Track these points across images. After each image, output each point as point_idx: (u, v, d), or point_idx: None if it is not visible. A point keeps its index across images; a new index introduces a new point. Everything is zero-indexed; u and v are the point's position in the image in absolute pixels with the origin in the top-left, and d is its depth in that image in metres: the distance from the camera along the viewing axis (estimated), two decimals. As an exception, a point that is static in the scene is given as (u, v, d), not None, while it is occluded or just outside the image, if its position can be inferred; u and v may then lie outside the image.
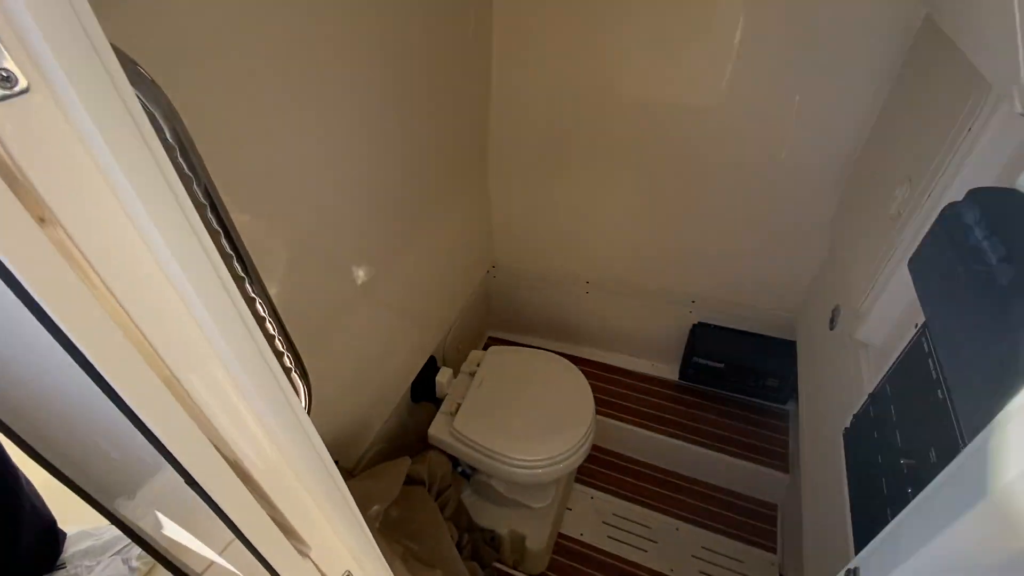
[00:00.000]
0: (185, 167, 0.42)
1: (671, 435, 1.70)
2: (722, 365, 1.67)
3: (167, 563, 0.47)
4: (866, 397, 0.77)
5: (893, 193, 0.91)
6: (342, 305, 1.11)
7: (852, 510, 0.72)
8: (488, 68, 1.43)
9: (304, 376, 0.64)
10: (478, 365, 1.49)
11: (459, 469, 1.49)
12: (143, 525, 0.44)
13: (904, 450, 0.63)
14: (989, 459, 0.31)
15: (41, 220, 0.24)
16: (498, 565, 1.42)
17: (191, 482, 0.35)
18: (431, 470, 1.27)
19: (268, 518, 0.44)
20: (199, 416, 0.35)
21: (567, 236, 1.72)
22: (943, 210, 0.37)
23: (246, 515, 0.41)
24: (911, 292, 0.87)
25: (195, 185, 0.43)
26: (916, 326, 0.68)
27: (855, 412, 0.80)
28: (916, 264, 0.38)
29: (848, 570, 0.79)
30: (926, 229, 0.81)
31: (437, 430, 1.35)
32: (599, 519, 1.64)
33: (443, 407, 1.41)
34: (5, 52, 0.21)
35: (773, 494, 1.63)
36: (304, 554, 0.50)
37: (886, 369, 0.73)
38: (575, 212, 1.65)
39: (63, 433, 0.39)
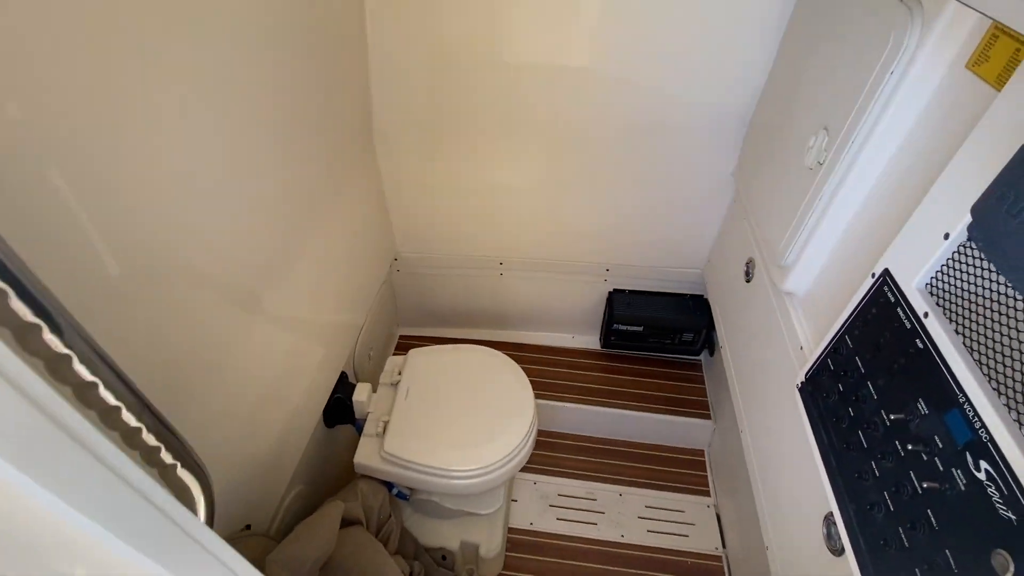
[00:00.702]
0: None
1: (601, 404, 1.70)
2: (640, 328, 1.70)
3: None
4: (821, 350, 0.78)
5: (807, 143, 0.92)
6: (232, 332, 0.88)
7: (825, 463, 0.72)
8: (362, 27, 1.22)
9: (195, 468, 0.46)
10: (400, 373, 1.33)
11: (395, 491, 1.33)
12: None
13: (884, 403, 0.62)
14: None
15: None
16: (454, 582, 1.31)
17: None
18: (366, 504, 1.10)
19: None
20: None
21: (471, 217, 1.59)
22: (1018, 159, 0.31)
23: None
24: (839, 240, 0.90)
25: None
26: (873, 275, 0.68)
27: (810, 367, 0.81)
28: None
29: (827, 515, 0.82)
30: (854, 179, 0.84)
31: (365, 456, 1.18)
32: (545, 503, 1.60)
33: (367, 428, 1.23)
34: None
35: (699, 441, 1.71)
36: None
37: (841, 320, 0.73)
38: (476, 190, 1.52)
39: None
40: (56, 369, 0.35)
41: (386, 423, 1.20)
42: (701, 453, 1.71)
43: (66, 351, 0.34)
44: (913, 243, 0.62)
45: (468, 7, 1.18)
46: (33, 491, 0.22)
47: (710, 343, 1.72)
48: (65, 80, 0.53)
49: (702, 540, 1.52)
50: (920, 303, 0.59)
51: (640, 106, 1.29)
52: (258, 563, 0.81)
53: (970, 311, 0.54)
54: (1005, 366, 0.48)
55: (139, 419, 0.39)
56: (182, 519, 0.30)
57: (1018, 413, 0.46)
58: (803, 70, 1.00)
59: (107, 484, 0.26)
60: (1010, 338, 0.48)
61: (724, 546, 1.51)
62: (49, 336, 0.33)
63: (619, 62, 1.22)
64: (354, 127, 1.32)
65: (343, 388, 1.31)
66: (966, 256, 0.55)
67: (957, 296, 0.56)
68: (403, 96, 1.34)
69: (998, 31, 0.59)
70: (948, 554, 0.50)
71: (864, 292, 0.69)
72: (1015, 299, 0.49)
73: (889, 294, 0.64)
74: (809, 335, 0.93)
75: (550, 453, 1.70)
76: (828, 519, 0.80)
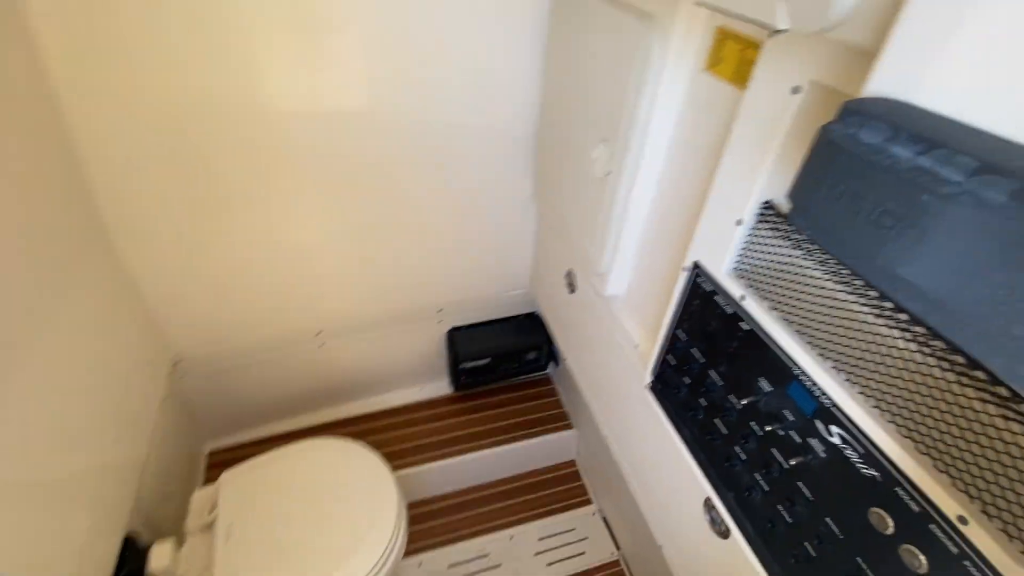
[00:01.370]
0: None
1: (467, 451, 1.60)
2: (488, 360, 1.64)
3: None
4: (659, 347, 0.80)
5: (592, 155, 0.96)
6: None
7: (694, 456, 0.74)
8: (53, 109, 0.93)
9: None
10: (214, 509, 1.03)
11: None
12: None
13: (730, 388, 0.64)
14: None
15: None
16: None
17: None
18: None
19: None
20: None
21: (268, 291, 1.35)
22: (821, 144, 0.30)
23: None
24: (644, 239, 0.96)
25: None
26: (685, 269, 0.70)
27: (654, 365, 0.82)
28: (814, 222, 0.32)
29: (706, 500, 0.83)
30: (642, 183, 0.89)
31: (188, 642, 0.88)
32: (438, 582, 1.42)
33: (182, 601, 0.92)
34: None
35: (567, 452, 1.72)
36: None
37: (669, 316, 0.76)
38: (267, 259, 1.30)
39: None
40: None
41: (209, 584, 0.91)
42: (572, 463, 1.72)
43: None
44: (712, 234, 0.65)
45: (203, 57, 0.98)
46: None
47: (554, 356, 1.75)
48: None
49: (598, 550, 1.51)
50: (734, 288, 0.62)
51: (430, 141, 1.24)
52: None
53: (776, 286, 0.58)
54: (820, 331, 0.52)
55: None
56: None
57: (847, 373, 0.49)
58: (571, 89, 1.05)
59: None
60: (815, 304, 0.52)
61: (618, 548, 1.52)
62: None
63: (397, 100, 1.15)
64: (74, 228, 1.00)
65: (131, 558, 0.97)
66: (761, 237, 0.59)
67: (762, 275, 0.60)
68: (142, 176, 1.06)
69: (723, 34, 0.67)
70: (829, 522, 0.51)
71: (682, 286, 0.72)
72: (810, 269, 0.54)
73: (704, 284, 0.67)
74: (642, 333, 0.96)
75: (427, 524, 1.53)
76: (708, 504, 0.82)
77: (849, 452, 0.48)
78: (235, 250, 1.25)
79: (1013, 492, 0.37)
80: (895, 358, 0.45)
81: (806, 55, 0.49)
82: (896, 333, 0.45)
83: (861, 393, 0.48)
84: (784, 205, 0.56)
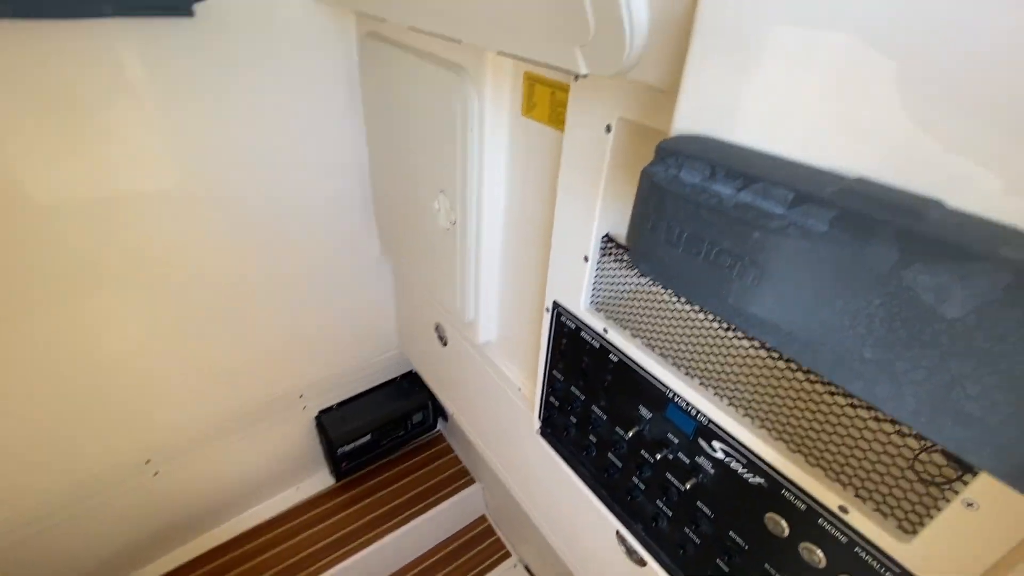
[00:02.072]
0: None
1: (368, 543, 1.42)
2: (368, 436, 1.50)
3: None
4: (540, 390, 0.77)
5: (432, 207, 0.93)
6: None
7: (596, 494, 0.71)
8: None
9: None
10: None
11: None
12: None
13: (615, 421, 0.64)
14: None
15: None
16: None
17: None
18: None
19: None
20: None
21: (69, 421, 1.07)
22: (646, 188, 0.30)
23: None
24: (504, 284, 0.94)
25: None
26: (547, 309, 0.69)
27: (539, 410, 0.80)
28: (656, 264, 0.30)
29: (617, 532, 0.82)
30: (488, 229, 0.87)
31: None
32: None
33: None
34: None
35: (476, 509, 1.63)
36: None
37: (542, 358, 0.74)
38: (63, 380, 1.03)
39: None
40: None
41: None
42: (483, 519, 1.63)
43: None
44: (564, 273, 0.65)
45: None
46: None
47: (442, 411, 1.66)
48: None
49: (527, 605, 1.43)
50: (595, 322, 0.62)
51: (256, 218, 1.10)
52: None
53: (634, 314, 0.58)
54: (682, 351, 0.53)
55: None
56: None
57: (713, 388, 0.51)
58: (397, 144, 1.02)
59: None
60: (671, 326, 0.54)
61: (546, 593, 1.46)
62: None
63: (210, 179, 1.00)
64: None
65: None
66: (609, 269, 0.60)
67: (619, 305, 0.60)
68: None
69: (532, 79, 0.68)
70: (734, 535, 0.52)
71: (548, 326, 0.70)
72: (660, 293, 0.55)
73: (568, 322, 0.66)
74: (522, 376, 0.94)
75: (335, 645, 1.32)
76: (619, 536, 0.80)
77: (734, 464, 0.49)
78: (18, 383, 0.97)
79: (876, 473, 0.39)
80: (751, 366, 0.47)
81: (613, 95, 0.51)
82: (747, 343, 0.47)
83: (731, 405, 0.49)
84: (622, 236, 0.57)
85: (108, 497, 1.18)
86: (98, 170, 0.90)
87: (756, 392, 0.47)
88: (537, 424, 0.82)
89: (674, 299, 0.53)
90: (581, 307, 0.64)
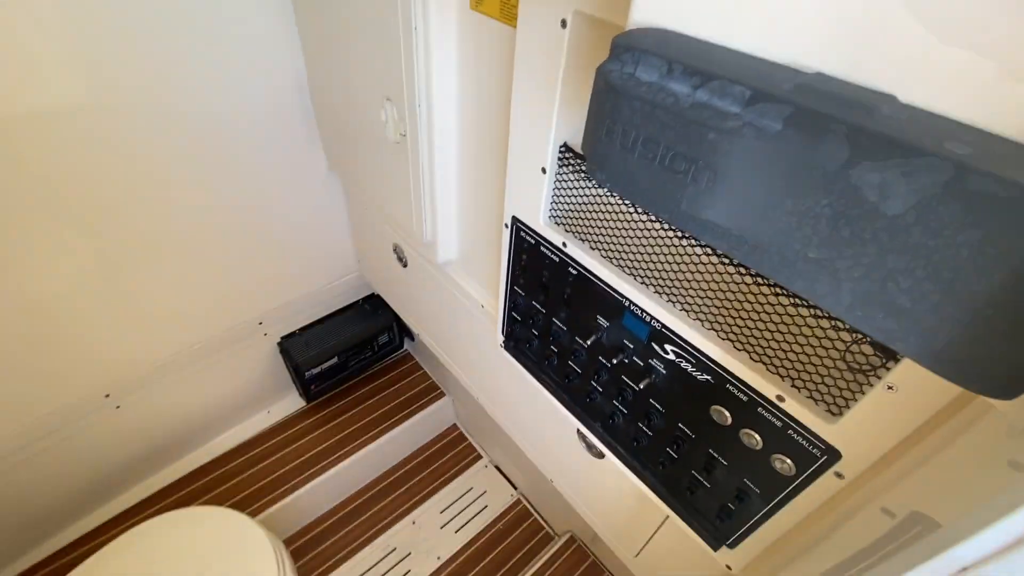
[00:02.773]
0: None
1: (342, 458, 1.48)
2: (335, 359, 1.51)
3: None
4: (502, 306, 0.78)
5: (380, 118, 0.87)
6: None
7: (559, 399, 0.75)
8: None
9: None
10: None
11: None
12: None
13: (575, 332, 0.66)
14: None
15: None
16: None
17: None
18: None
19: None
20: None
21: (17, 362, 1.03)
22: (601, 88, 0.28)
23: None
24: (461, 200, 0.91)
25: None
26: (506, 225, 0.68)
27: (502, 325, 0.81)
28: (615, 172, 0.29)
29: (577, 430, 0.88)
30: (440, 141, 0.82)
31: None
32: (350, 599, 1.34)
33: None
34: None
35: (447, 419, 1.71)
36: None
37: (503, 275, 0.74)
38: (7, 321, 0.97)
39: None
40: None
41: None
42: (454, 428, 1.72)
43: None
44: (521, 186, 0.63)
45: None
46: None
47: (407, 330, 1.68)
48: None
49: (498, 498, 1.56)
50: (554, 236, 0.62)
51: (189, 134, 1.00)
52: None
53: (591, 226, 0.58)
54: (637, 260, 0.54)
55: None
56: None
57: (667, 295, 0.52)
58: (336, 46, 0.92)
59: None
60: (627, 236, 0.54)
61: (515, 488, 1.59)
62: None
63: (126, 89, 0.89)
64: None
65: None
66: (567, 181, 0.59)
67: (577, 218, 0.60)
68: None
69: (479, -30, 0.61)
70: (682, 427, 0.56)
71: (507, 243, 0.70)
72: (616, 204, 0.55)
73: (528, 237, 0.66)
74: (485, 293, 0.94)
75: (321, 547, 1.42)
76: (580, 434, 0.87)
77: (684, 364, 0.52)
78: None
79: (812, 365, 0.43)
80: (702, 272, 0.48)
81: (565, -16, 0.46)
82: (699, 250, 0.48)
83: (683, 310, 0.51)
84: (580, 145, 0.55)
85: (71, 431, 1.16)
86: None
87: (707, 297, 0.48)
88: (501, 339, 0.84)
89: (630, 209, 0.52)
90: (540, 222, 0.63)
